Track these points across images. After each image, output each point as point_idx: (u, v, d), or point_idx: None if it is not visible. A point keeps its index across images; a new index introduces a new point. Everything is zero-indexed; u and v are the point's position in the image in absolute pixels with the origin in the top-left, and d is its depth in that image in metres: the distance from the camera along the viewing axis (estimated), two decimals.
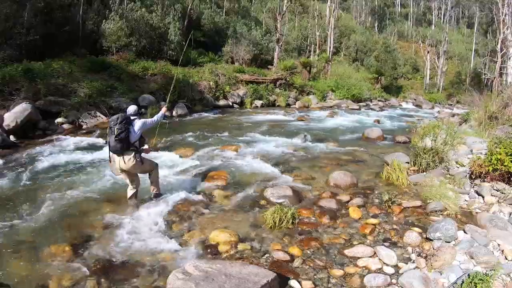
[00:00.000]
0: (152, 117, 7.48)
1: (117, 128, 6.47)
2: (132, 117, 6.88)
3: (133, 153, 6.75)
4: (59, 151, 10.86)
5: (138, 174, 7.24)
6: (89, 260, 5.16)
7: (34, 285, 4.64)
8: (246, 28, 35.67)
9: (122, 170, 6.90)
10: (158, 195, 7.41)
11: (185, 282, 4.00)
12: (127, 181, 7.11)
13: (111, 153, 6.83)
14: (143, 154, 7.01)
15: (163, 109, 7.77)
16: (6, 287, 4.53)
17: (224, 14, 38.16)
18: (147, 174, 7.38)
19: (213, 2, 39.32)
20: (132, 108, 7.10)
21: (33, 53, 18.31)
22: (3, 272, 4.85)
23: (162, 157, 9.99)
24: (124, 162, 6.72)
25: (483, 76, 40.28)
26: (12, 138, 11.86)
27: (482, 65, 43.74)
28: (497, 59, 34.92)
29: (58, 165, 9.47)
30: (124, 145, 6.58)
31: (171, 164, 9.67)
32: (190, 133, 13.60)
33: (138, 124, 6.84)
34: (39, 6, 20.47)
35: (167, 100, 8.58)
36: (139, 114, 7.21)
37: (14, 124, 12.15)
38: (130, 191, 7.18)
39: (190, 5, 29.79)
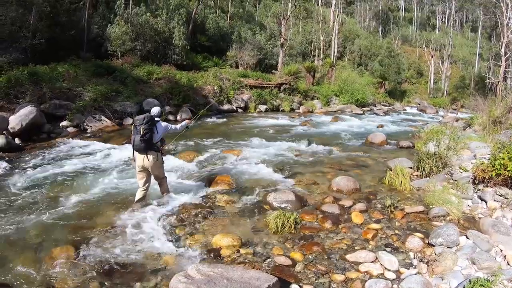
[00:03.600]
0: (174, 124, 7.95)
1: (143, 128, 6.78)
2: (156, 119, 7.17)
3: (156, 153, 7.09)
4: (64, 154, 10.97)
5: (151, 178, 7.43)
6: (92, 262, 5.21)
7: (37, 286, 4.68)
8: (251, 32, 35.79)
9: (143, 169, 7.13)
10: (167, 194, 7.66)
11: (187, 285, 4.03)
12: (141, 182, 7.28)
13: (134, 151, 7.09)
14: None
15: (187, 121, 8.32)
16: None
17: (228, 19, 38.26)
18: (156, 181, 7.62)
19: (218, 7, 39.44)
20: (156, 110, 7.36)
21: (38, 56, 18.45)
22: (7, 273, 4.90)
23: (166, 161, 10.04)
24: (148, 160, 7.00)
25: (487, 80, 40.21)
26: (17, 140, 11.95)
27: (486, 69, 43.72)
28: (501, 63, 34.89)
29: (62, 168, 9.53)
30: (147, 145, 6.90)
31: (175, 168, 9.73)
32: (194, 138, 13.65)
33: (162, 126, 7.24)
34: (44, 10, 20.66)
35: (194, 116, 9.11)
36: (161, 116, 7.48)
37: (19, 127, 12.25)
38: (139, 193, 7.31)
39: (194, 9, 29.88)
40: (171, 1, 30.55)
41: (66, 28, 21.64)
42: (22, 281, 4.75)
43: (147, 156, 6.98)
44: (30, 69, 15.93)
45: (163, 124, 7.34)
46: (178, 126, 7.90)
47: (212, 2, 39.51)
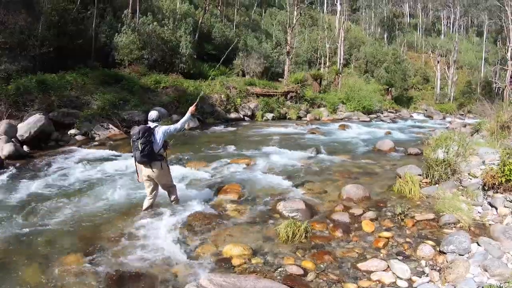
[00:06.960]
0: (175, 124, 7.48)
1: (140, 143, 6.62)
2: (153, 125, 7.02)
3: (160, 162, 6.96)
4: (72, 162, 11.04)
5: (158, 186, 7.38)
6: (101, 271, 5.20)
7: None
8: (257, 41, 35.88)
9: (149, 178, 7.07)
10: (177, 203, 7.62)
11: None
12: (148, 190, 7.24)
13: (137, 164, 7.01)
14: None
15: (191, 108, 7.50)
16: None
17: (234, 28, 38.40)
18: (165, 190, 7.58)
19: (224, 16, 39.61)
20: (153, 114, 7.16)
21: (46, 65, 18.60)
22: (17, 281, 4.93)
23: (174, 171, 10.07)
24: (153, 171, 6.94)
25: (494, 85, 40.10)
26: (25, 148, 12.10)
27: (492, 74, 43.63)
28: (508, 67, 34.80)
29: (70, 176, 9.61)
30: (149, 157, 6.78)
31: (183, 177, 9.73)
32: (202, 146, 13.69)
33: (159, 133, 7.00)
34: (53, 19, 20.81)
35: (197, 99, 8.23)
36: (160, 120, 7.31)
37: (27, 135, 12.42)
38: (147, 202, 7.30)
39: (200, 19, 30.03)
40: (177, 11, 30.77)
41: (74, 37, 21.74)
42: None
43: (151, 167, 6.92)
44: (38, 77, 16.16)
45: (162, 129, 7.06)
46: (178, 124, 7.33)
47: (218, 11, 39.71)
